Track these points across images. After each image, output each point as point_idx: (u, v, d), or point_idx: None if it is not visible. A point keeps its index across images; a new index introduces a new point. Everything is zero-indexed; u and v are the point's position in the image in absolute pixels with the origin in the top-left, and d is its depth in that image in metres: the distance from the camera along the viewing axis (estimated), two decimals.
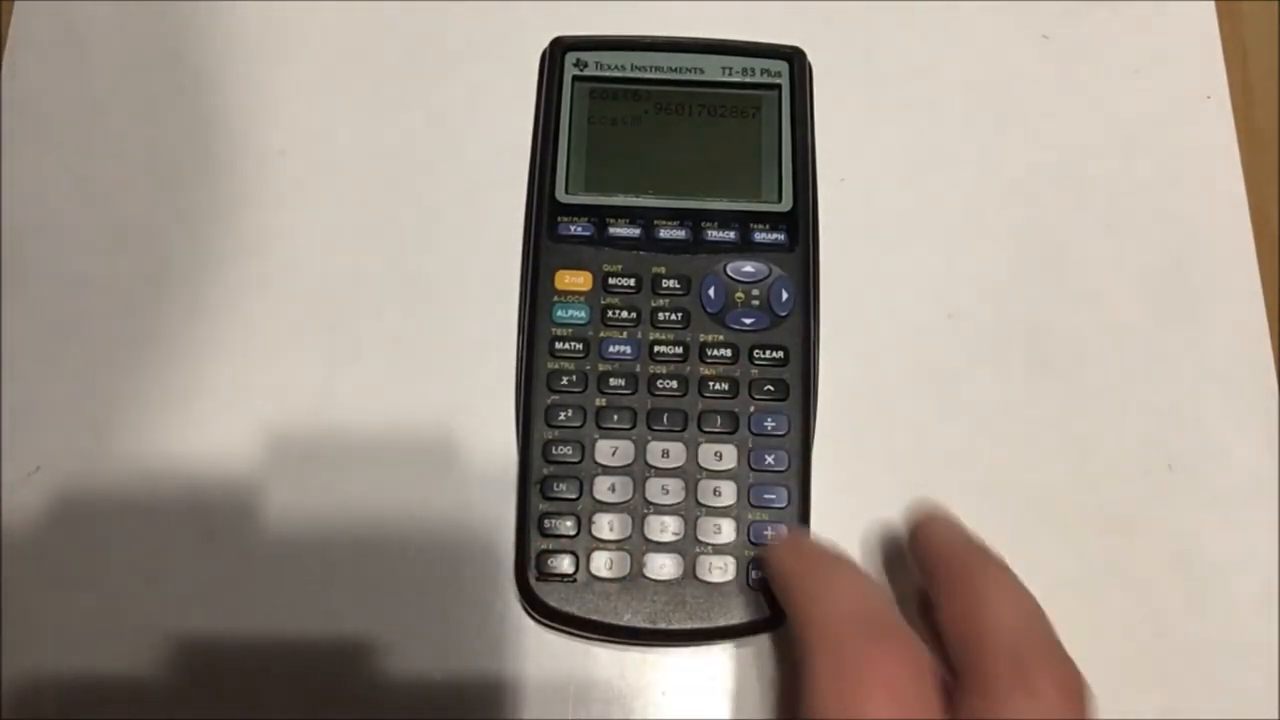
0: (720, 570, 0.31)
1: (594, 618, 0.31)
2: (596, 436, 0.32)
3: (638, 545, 0.31)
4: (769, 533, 0.31)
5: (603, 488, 0.32)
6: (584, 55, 0.36)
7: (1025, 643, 0.25)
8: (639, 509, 0.32)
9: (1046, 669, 0.24)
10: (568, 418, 0.32)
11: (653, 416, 0.32)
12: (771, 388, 0.33)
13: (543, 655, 0.32)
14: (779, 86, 0.36)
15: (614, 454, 0.32)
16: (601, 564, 0.31)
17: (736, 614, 0.31)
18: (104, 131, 0.37)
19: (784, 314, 0.33)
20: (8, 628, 0.32)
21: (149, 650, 0.31)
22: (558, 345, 0.33)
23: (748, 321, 0.33)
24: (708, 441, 0.32)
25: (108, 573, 0.32)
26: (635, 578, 0.31)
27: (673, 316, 0.33)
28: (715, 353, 0.33)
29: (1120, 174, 0.38)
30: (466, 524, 0.33)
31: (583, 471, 0.32)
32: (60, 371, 0.34)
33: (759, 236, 0.34)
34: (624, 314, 0.33)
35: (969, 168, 0.37)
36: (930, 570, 0.28)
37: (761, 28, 0.37)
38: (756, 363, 0.33)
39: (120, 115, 0.37)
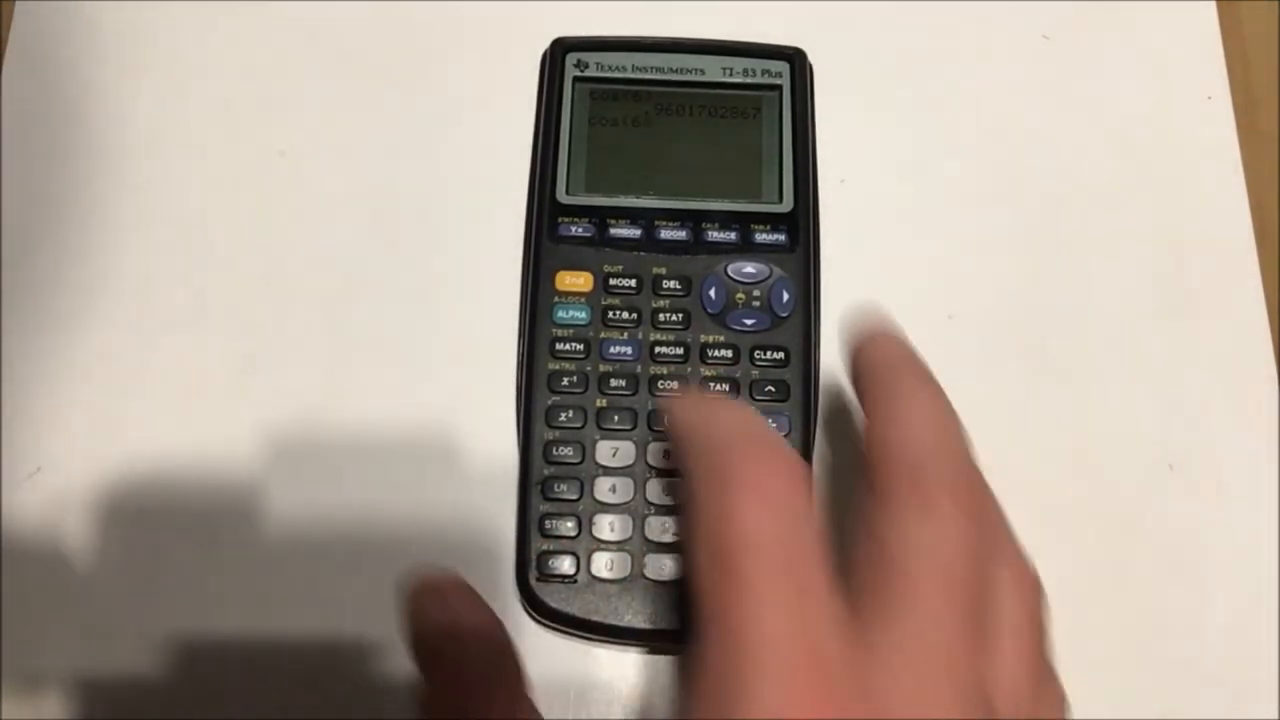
0: None
1: (595, 619, 0.31)
2: (597, 437, 0.32)
3: (638, 546, 0.31)
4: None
5: (603, 488, 0.32)
6: (585, 56, 0.36)
7: (929, 458, 0.23)
8: (640, 510, 0.32)
9: (946, 485, 0.23)
10: (568, 418, 0.32)
11: (654, 417, 0.32)
12: (772, 388, 0.33)
13: (543, 656, 0.32)
14: (779, 87, 0.36)
15: (615, 455, 0.32)
16: (602, 565, 0.31)
17: None
18: (104, 131, 0.37)
19: (785, 315, 0.33)
20: (8, 628, 0.32)
21: (149, 650, 0.32)
22: (558, 346, 0.33)
23: (748, 322, 0.33)
24: None
25: (108, 573, 0.32)
26: (636, 579, 0.31)
27: (673, 317, 0.33)
28: (716, 354, 0.33)
29: (1120, 174, 0.38)
30: (467, 524, 0.33)
31: (583, 472, 0.32)
32: (60, 371, 0.34)
33: (759, 237, 0.34)
34: (625, 315, 0.33)
35: (969, 168, 0.37)
36: (860, 388, 0.27)
37: (762, 28, 0.37)
38: (757, 363, 0.33)
39: (120, 115, 0.37)
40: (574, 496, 0.32)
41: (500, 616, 0.32)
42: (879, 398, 0.26)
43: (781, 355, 0.33)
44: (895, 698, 0.21)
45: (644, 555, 0.31)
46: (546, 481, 0.32)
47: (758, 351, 0.33)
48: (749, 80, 0.36)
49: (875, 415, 0.25)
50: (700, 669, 0.21)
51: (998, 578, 0.24)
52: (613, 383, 0.33)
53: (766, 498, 0.21)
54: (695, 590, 0.22)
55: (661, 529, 0.31)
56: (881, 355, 0.27)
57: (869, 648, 0.21)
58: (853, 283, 0.36)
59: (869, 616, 0.22)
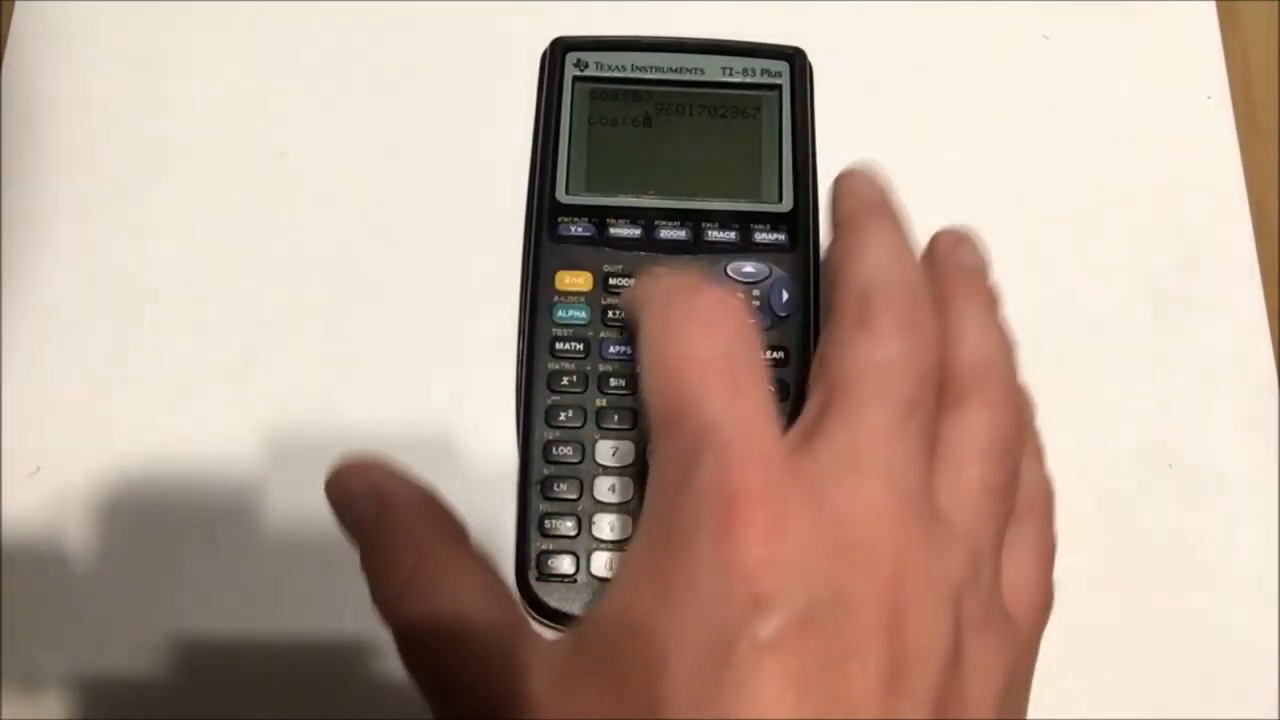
0: None
1: None
2: (597, 437, 0.32)
3: None
4: None
5: (603, 488, 0.32)
6: (584, 55, 0.36)
7: (873, 283, 0.24)
8: (639, 509, 0.32)
9: (887, 306, 0.24)
10: (568, 418, 0.32)
11: None
12: (772, 388, 0.33)
13: None
14: (779, 87, 0.36)
15: (614, 454, 0.32)
16: (602, 565, 0.31)
17: None
18: (104, 131, 0.37)
19: (784, 314, 0.33)
20: (8, 628, 0.32)
21: (149, 650, 0.32)
22: (558, 345, 0.33)
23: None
24: None
25: (108, 573, 0.32)
26: None
27: None
28: None
29: (1120, 174, 0.38)
30: (466, 524, 0.33)
31: (583, 472, 0.32)
32: (60, 371, 0.34)
33: (759, 237, 0.34)
34: (624, 314, 0.33)
35: (969, 168, 0.37)
36: (834, 225, 0.28)
37: (762, 28, 0.37)
38: None
39: (120, 115, 0.37)
40: (574, 496, 0.32)
41: None
42: (842, 234, 0.26)
43: (781, 355, 0.33)
44: (831, 487, 0.21)
45: None
46: (546, 481, 0.32)
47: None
48: (749, 80, 0.36)
49: (835, 250, 0.26)
50: (652, 481, 0.22)
51: (962, 405, 0.24)
52: (612, 382, 0.33)
53: (705, 322, 0.23)
54: (652, 424, 0.23)
55: None
56: (849, 190, 0.28)
57: (810, 450, 0.22)
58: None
59: (814, 431, 0.23)
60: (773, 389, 0.23)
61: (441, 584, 0.24)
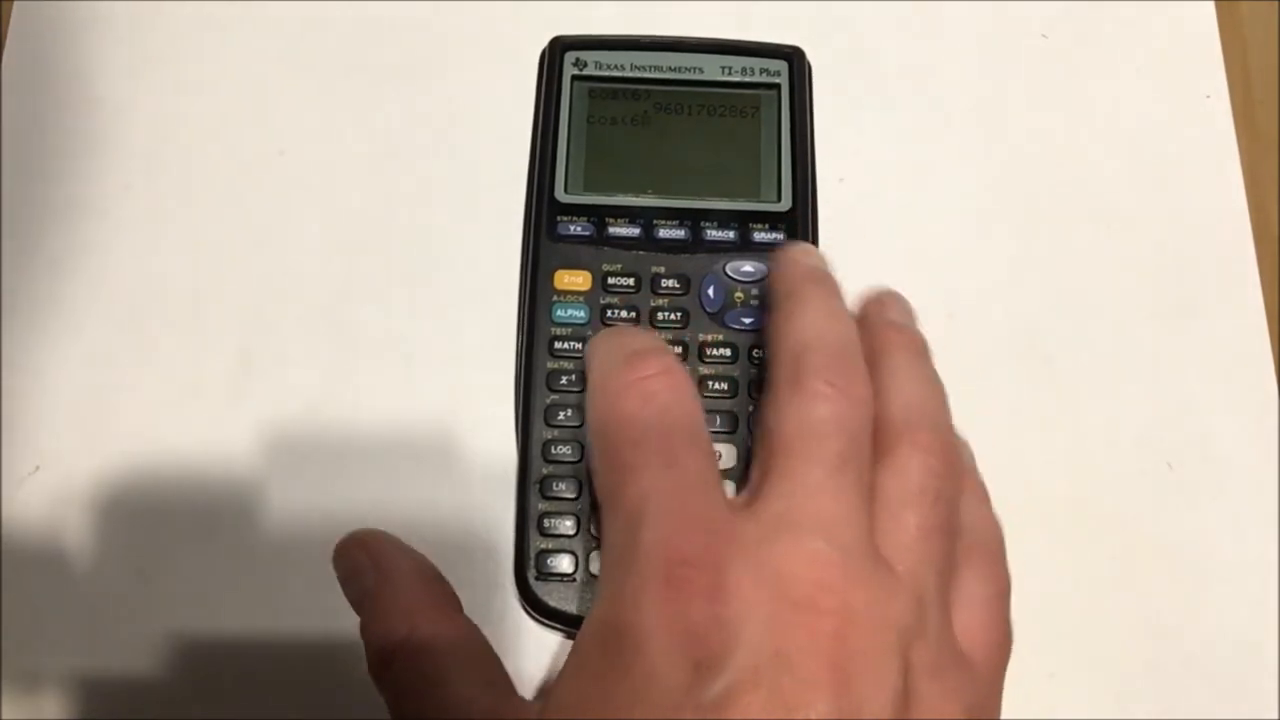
0: None
1: None
2: None
3: None
4: None
5: None
6: (583, 55, 0.36)
7: (807, 348, 0.25)
8: None
9: (820, 369, 0.24)
10: (567, 417, 0.32)
11: None
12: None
13: (542, 655, 0.32)
14: (778, 86, 0.36)
15: None
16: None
17: None
18: (104, 131, 0.37)
19: None
20: (8, 628, 0.32)
21: (149, 650, 0.32)
22: (557, 345, 0.33)
23: (747, 321, 0.33)
24: None
25: (108, 573, 0.32)
26: None
27: (672, 316, 0.33)
28: (714, 352, 0.33)
29: (1120, 174, 0.38)
30: (466, 524, 0.33)
31: (582, 471, 0.32)
32: (60, 371, 0.34)
33: (758, 236, 0.34)
34: (623, 313, 0.33)
35: (968, 167, 0.38)
36: (771, 298, 0.29)
37: (761, 28, 0.37)
38: (756, 362, 0.33)
39: (120, 115, 0.37)
40: (573, 495, 0.32)
41: (499, 616, 0.32)
42: (778, 303, 0.27)
43: None
44: (770, 547, 0.22)
45: None
46: (545, 480, 0.32)
47: (756, 350, 0.33)
48: (748, 79, 0.36)
49: (773, 319, 0.27)
50: (603, 552, 0.24)
51: (893, 452, 0.25)
52: None
53: (641, 393, 0.24)
54: (595, 485, 0.25)
55: None
56: (787, 263, 0.29)
57: (750, 513, 0.23)
58: (851, 282, 0.35)
59: (756, 494, 0.24)
60: (712, 451, 0.25)
61: (430, 652, 0.24)
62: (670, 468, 0.23)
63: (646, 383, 0.24)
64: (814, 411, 0.24)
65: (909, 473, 0.24)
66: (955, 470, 0.25)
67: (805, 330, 0.26)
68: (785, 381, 0.25)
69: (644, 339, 0.27)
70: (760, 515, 0.23)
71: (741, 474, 0.32)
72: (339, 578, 0.27)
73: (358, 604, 0.26)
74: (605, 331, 0.29)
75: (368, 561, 0.26)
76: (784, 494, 0.23)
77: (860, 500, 0.23)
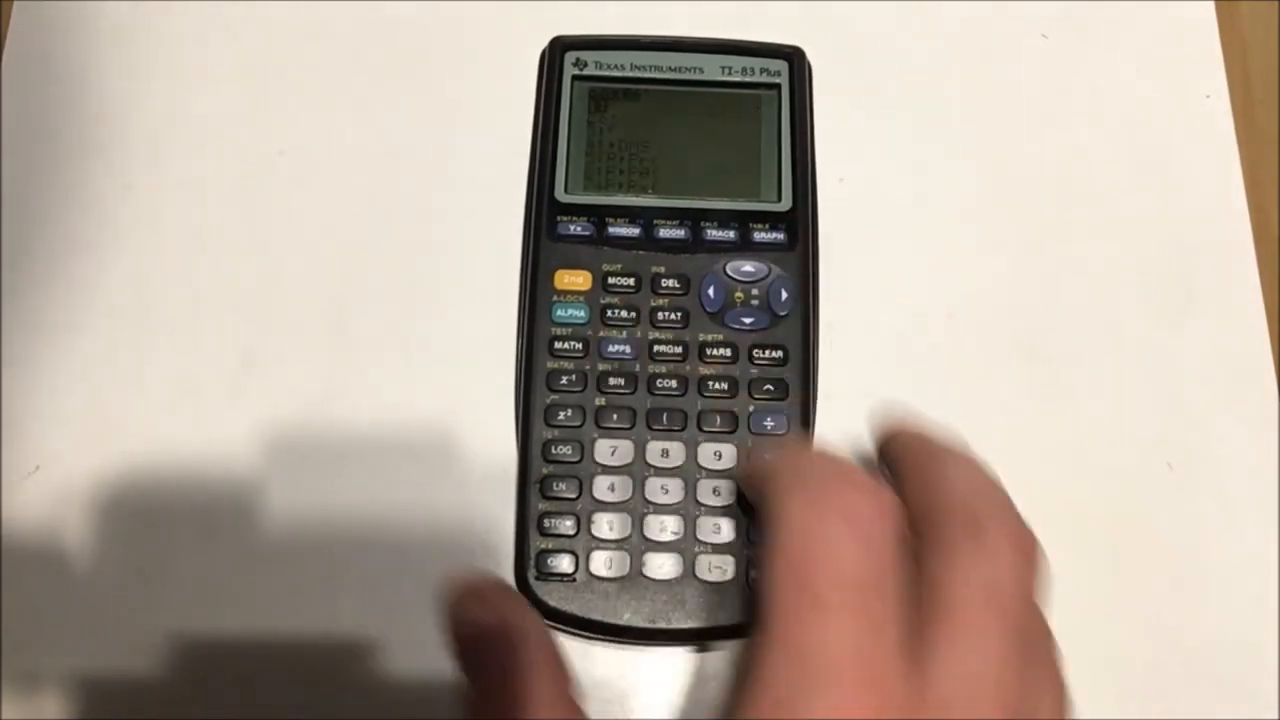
0: (720, 570, 0.31)
1: (594, 617, 0.31)
2: (596, 436, 0.32)
3: (637, 545, 0.31)
4: None
5: (602, 487, 0.32)
6: (583, 55, 0.36)
7: (980, 503, 0.25)
8: (638, 508, 0.32)
9: (1000, 525, 0.24)
10: (567, 417, 0.32)
11: (652, 416, 0.32)
12: (771, 387, 0.33)
13: None
14: (779, 86, 0.36)
15: (613, 453, 0.32)
16: (601, 563, 0.31)
17: (736, 614, 0.31)
18: (104, 131, 0.37)
19: (783, 313, 0.33)
20: (8, 628, 0.32)
21: (149, 650, 0.32)
22: (557, 345, 0.33)
23: (747, 321, 0.33)
24: (707, 441, 0.32)
25: (108, 572, 0.32)
26: (635, 577, 0.31)
27: (672, 316, 0.33)
28: (714, 352, 0.33)
29: (1120, 174, 0.38)
30: (466, 523, 0.33)
31: (582, 471, 0.32)
32: (60, 371, 0.34)
33: (758, 236, 0.34)
34: (623, 313, 0.33)
35: (968, 167, 0.38)
36: (896, 463, 0.28)
37: (761, 28, 0.37)
38: (756, 362, 0.33)
39: (120, 115, 0.37)
40: (573, 495, 0.32)
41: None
42: (917, 464, 0.27)
43: (780, 354, 0.33)
44: (947, 716, 0.22)
45: (643, 554, 0.31)
46: (545, 480, 0.32)
47: (756, 350, 0.33)
48: (748, 79, 0.36)
49: (916, 478, 0.26)
50: (759, 672, 0.22)
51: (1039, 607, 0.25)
52: (611, 381, 0.33)
53: (857, 528, 0.23)
54: (765, 597, 0.23)
55: (660, 528, 0.31)
56: (913, 433, 0.29)
57: (925, 675, 0.22)
58: (851, 282, 0.36)
59: (928, 649, 0.23)
60: (903, 604, 0.23)
61: None
62: (861, 618, 0.22)
63: (862, 514, 0.23)
64: (998, 573, 0.23)
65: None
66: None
67: (970, 485, 0.25)
68: (958, 535, 0.24)
69: (847, 461, 0.26)
70: (936, 678, 0.22)
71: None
72: (456, 638, 0.25)
73: (474, 673, 0.24)
74: (792, 449, 0.29)
75: (497, 630, 0.24)
76: (965, 657, 0.22)
77: (1029, 664, 0.23)
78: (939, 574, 0.24)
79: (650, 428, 0.32)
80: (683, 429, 0.32)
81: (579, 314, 0.33)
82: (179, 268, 0.35)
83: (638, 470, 0.32)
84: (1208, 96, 0.39)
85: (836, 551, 0.22)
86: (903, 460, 0.28)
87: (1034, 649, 0.24)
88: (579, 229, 0.34)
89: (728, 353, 0.33)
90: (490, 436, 0.33)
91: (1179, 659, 0.33)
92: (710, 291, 0.33)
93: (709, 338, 0.33)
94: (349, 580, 0.32)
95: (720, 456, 0.32)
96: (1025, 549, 0.24)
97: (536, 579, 0.31)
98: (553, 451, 0.32)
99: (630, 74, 0.36)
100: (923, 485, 0.26)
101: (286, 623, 0.32)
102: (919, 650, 0.23)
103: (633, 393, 0.32)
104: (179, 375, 0.34)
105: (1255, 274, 0.37)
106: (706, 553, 0.31)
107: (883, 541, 0.23)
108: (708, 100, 0.36)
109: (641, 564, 0.31)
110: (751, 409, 0.32)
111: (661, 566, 0.31)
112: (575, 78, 0.36)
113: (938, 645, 0.23)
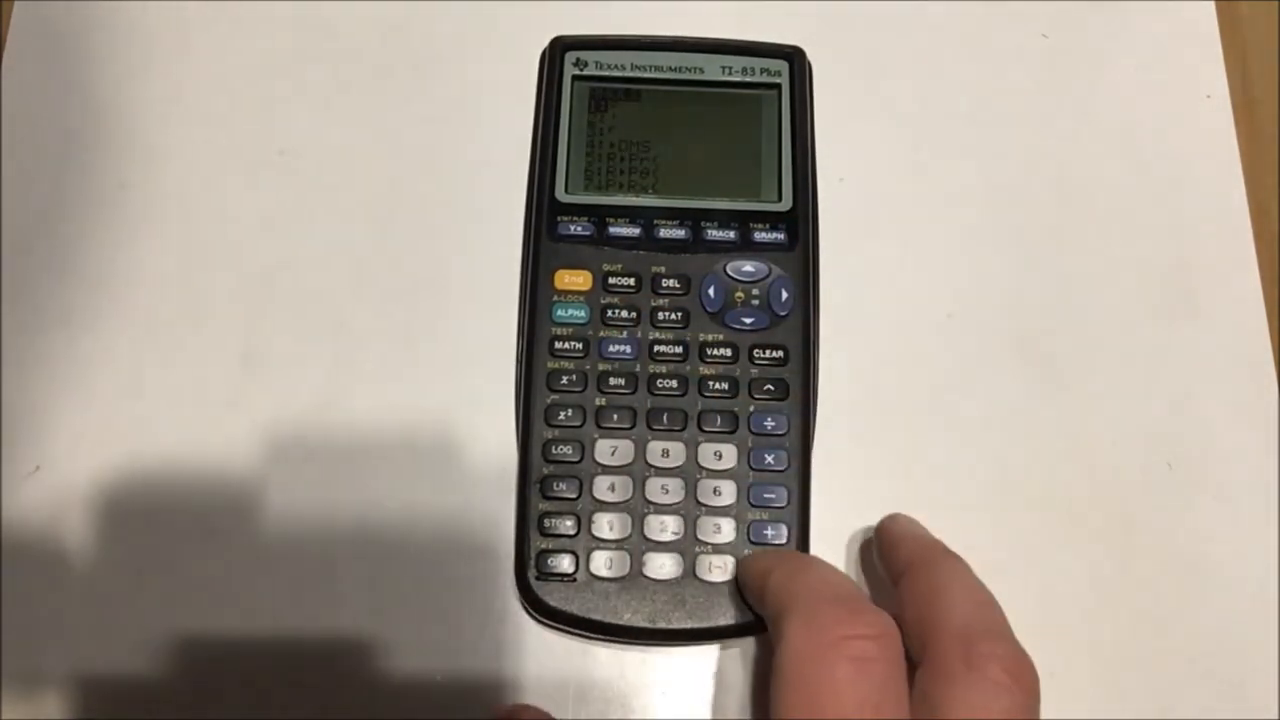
0: (720, 570, 0.31)
1: (594, 617, 0.31)
2: (596, 436, 0.32)
3: (637, 545, 0.31)
4: (768, 531, 0.31)
5: (602, 487, 0.32)
6: (584, 55, 0.36)
7: (975, 626, 0.26)
8: (639, 508, 0.32)
9: (993, 650, 0.25)
10: (567, 417, 0.32)
11: (652, 416, 0.32)
12: (771, 387, 0.33)
13: (543, 655, 0.32)
14: (779, 86, 0.36)
15: (614, 453, 0.32)
16: (601, 563, 0.31)
17: (736, 614, 0.31)
18: (104, 131, 0.37)
19: (784, 313, 0.33)
20: (8, 628, 0.32)
21: (149, 650, 0.32)
22: (557, 345, 0.33)
23: (747, 321, 0.33)
24: (707, 441, 0.32)
25: (108, 573, 0.32)
26: (635, 577, 0.31)
27: (672, 316, 0.33)
28: (715, 352, 0.33)
29: (1120, 174, 0.38)
30: (466, 524, 0.33)
31: (582, 471, 0.32)
32: (60, 371, 0.34)
33: (759, 236, 0.34)
34: (624, 313, 0.33)
35: (969, 168, 0.37)
36: (893, 564, 0.30)
37: (761, 28, 0.37)
38: (756, 362, 0.33)
39: (120, 115, 0.37)
40: (573, 495, 0.32)
41: (499, 616, 0.32)
42: (916, 582, 0.28)
43: (780, 354, 0.33)
44: None
45: (643, 554, 0.31)
46: (546, 480, 0.32)
47: (757, 350, 0.33)
48: (748, 79, 0.36)
49: (916, 597, 0.28)
50: None
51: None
52: (612, 381, 0.33)
53: (859, 662, 0.24)
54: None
55: (660, 528, 0.31)
56: (908, 536, 0.30)
57: None
58: (852, 282, 0.36)
59: None
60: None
61: None
62: None
63: (866, 645, 0.25)
64: (995, 704, 0.25)
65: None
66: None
67: (966, 606, 0.27)
68: (958, 664, 0.25)
69: (850, 585, 0.28)
70: None
71: (741, 473, 0.32)
72: None
73: None
74: (797, 557, 0.30)
75: None
76: None
77: None
78: (937, 699, 0.25)
79: (651, 428, 0.32)
80: (683, 429, 0.32)
81: (579, 314, 0.33)
82: (179, 267, 0.35)
83: (638, 470, 0.32)
84: (1208, 96, 0.39)
85: (841, 685, 0.24)
86: (903, 574, 0.29)
87: None
88: (579, 229, 0.34)
89: (728, 353, 0.33)
90: (490, 436, 0.33)
91: (1179, 659, 0.33)
92: (711, 291, 0.33)
93: (709, 338, 0.33)
94: (349, 580, 0.32)
95: (720, 457, 0.32)
96: (1020, 677, 0.25)
97: (537, 579, 0.31)
98: (553, 451, 0.32)
99: (631, 74, 0.36)
100: (923, 604, 0.27)
101: (286, 623, 0.32)
102: None
103: (633, 393, 0.32)
104: (179, 375, 0.34)
105: (1255, 274, 0.37)
106: (707, 553, 0.31)
107: (884, 673, 0.25)
108: (708, 100, 0.36)
109: (642, 564, 0.31)
110: (752, 409, 0.32)
111: (662, 566, 0.31)
112: (576, 78, 0.36)
113: None
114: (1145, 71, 0.39)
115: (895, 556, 0.30)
